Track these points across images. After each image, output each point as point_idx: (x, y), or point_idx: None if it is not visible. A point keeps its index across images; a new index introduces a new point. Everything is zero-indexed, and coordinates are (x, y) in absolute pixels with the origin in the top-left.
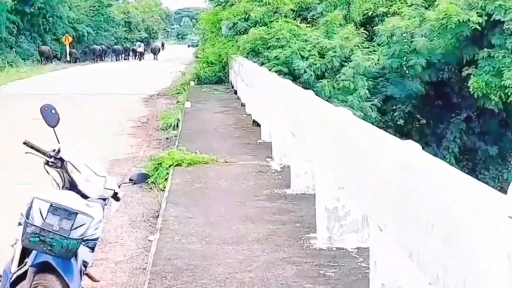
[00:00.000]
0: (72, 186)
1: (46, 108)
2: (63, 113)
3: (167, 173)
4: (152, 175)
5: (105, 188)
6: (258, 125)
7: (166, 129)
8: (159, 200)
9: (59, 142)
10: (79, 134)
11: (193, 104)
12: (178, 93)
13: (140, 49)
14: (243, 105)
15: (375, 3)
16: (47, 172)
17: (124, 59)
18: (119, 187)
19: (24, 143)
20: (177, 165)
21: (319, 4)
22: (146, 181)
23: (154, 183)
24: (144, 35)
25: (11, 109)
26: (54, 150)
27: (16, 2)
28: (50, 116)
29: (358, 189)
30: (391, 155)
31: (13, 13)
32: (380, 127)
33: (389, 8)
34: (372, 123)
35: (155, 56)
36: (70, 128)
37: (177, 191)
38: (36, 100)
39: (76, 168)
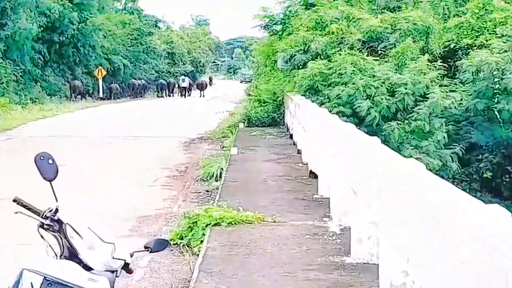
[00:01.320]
0: (72, 254)
1: (41, 158)
2: (87, 158)
3: (203, 234)
4: (185, 236)
5: (114, 258)
6: (316, 176)
7: (207, 179)
8: (191, 268)
9: (57, 200)
10: (103, 183)
11: (241, 150)
12: (224, 137)
13: (185, 84)
14: (299, 152)
15: (458, 33)
16: (42, 237)
17: (168, 96)
18: (131, 256)
19: (14, 200)
20: (215, 224)
21: (391, 33)
22: (164, 248)
23: (188, 246)
24: (190, 69)
25: (27, 154)
26: (50, 210)
27: (43, 29)
28: (46, 168)
29: (431, 264)
30: (471, 229)
31: (39, 42)
32: (462, 181)
33: (474, 40)
34: (453, 176)
35: (202, 92)
36: (94, 177)
37: (213, 257)
38: (58, 142)
39: (77, 233)
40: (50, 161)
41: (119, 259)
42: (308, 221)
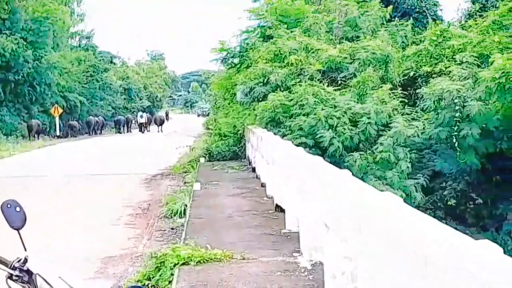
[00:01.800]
0: None
1: (8, 206)
2: (48, 199)
3: (172, 274)
4: (153, 277)
5: None
6: (282, 210)
7: (171, 217)
8: None
9: (25, 250)
10: (65, 225)
11: (204, 185)
12: (185, 172)
13: (143, 120)
14: (263, 185)
15: (417, 61)
16: None
17: (127, 132)
18: None
19: None
20: (183, 264)
21: (351, 63)
22: None
23: (156, 287)
24: (147, 104)
25: None
26: (19, 260)
27: None
28: (14, 216)
29: None
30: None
31: None
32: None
33: (434, 67)
34: (418, 205)
35: (160, 127)
36: (55, 219)
37: None
38: (17, 184)
39: (48, 283)
40: (18, 209)
41: None
42: (278, 257)
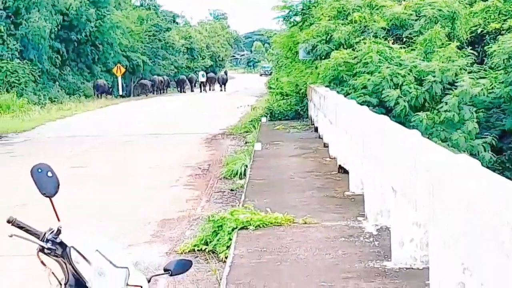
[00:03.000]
0: (78, 282)
1: (39, 170)
2: (106, 159)
3: (230, 239)
4: (210, 242)
5: (128, 285)
6: (346, 171)
7: (231, 177)
8: (217, 278)
9: (59, 220)
10: (122, 185)
11: (265, 145)
12: (246, 132)
13: (204, 79)
14: (326, 145)
15: (485, 18)
16: (42, 263)
17: (191, 91)
18: (149, 281)
19: (9, 221)
20: (242, 228)
21: (416, 20)
22: (187, 270)
23: (213, 252)
24: (209, 63)
25: (42, 157)
26: (51, 231)
27: (60, 27)
28: (45, 182)
29: (495, 277)
30: None
31: (56, 40)
32: (495, 170)
33: (502, 24)
34: (486, 166)
35: (222, 87)
36: (113, 179)
37: (242, 266)
38: (76, 143)
39: (83, 257)
40: (50, 174)
41: (134, 286)
42: (342, 221)
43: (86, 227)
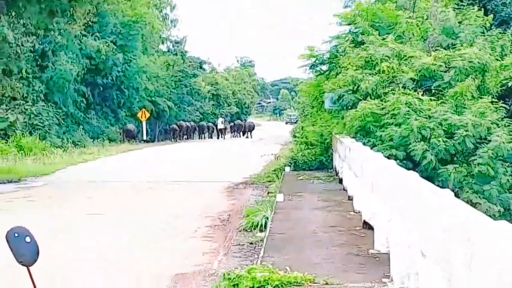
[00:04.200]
0: None
1: (16, 235)
2: (125, 205)
3: None
4: None
5: None
6: (371, 227)
7: (251, 230)
8: None
9: None
10: (138, 235)
11: (287, 196)
12: (269, 181)
13: (222, 126)
14: (350, 198)
15: None
16: None
17: (210, 138)
18: None
19: None
20: (259, 287)
21: (446, 72)
22: None
23: None
24: (235, 110)
25: (61, 201)
26: None
27: (86, 71)
28: (22, 248)
29: None
30: None
31: (82, 84)
32: None
33: None
34: None
35: (249, 134)
36: (130, 227)
37: None
38: (96, 189)
39: None
40: (28, 239)
41: None
42: (366, 283)
43: (90, 281)
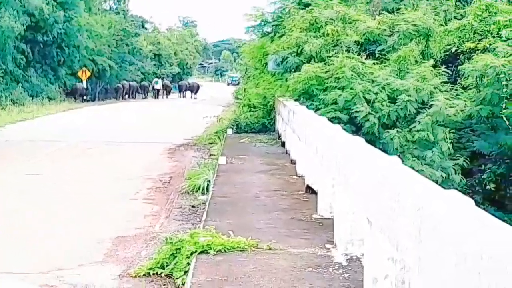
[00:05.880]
0: None
1: None
2: (63, 166)
3: (188, 264)
4: (167, 266)
5: None
6: (314, 192)
7: (193, 193)
8: None
9: None
10: (76, 196)
11: (229, 159)
12: (211, 143)
13: (158, 86)
14: (293, 162)
15: (460, 36)
16: None
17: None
18: None
19: None
20: (202, 252)
21: (390, 36)
22: None
23: (170, 277)
24: (177, 70)
25: None
26: None
27: (26, 28)
28: None
29: None
30: None
31: (22, 41)
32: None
33: (477, 43)
34: (455, 188)
35: (193, 94)
36: (68, 189)
37: None
38: (33, 149)
39: None
40: None
41: None
42: (309, 248)
43: (30, 243)
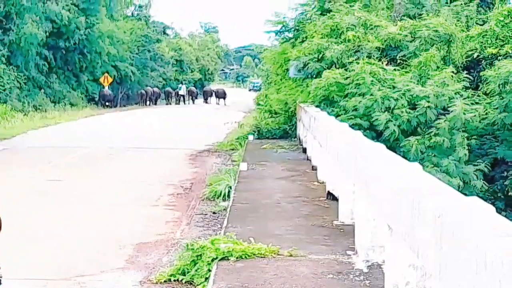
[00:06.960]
0: None
1: None
2: (85, 172)
3: (209, 270)
4: (188, 272)
5: None
6: (335, 198)
7: (214, 199)
8: None
9: None
10: (98, 203)
11: (251, 165)
12: (233, 149)
13: (182, 92)
14: (314, 168)
15: (482, 42)
16: None
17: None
18: None
19: None
20: (222, 258)
21: (411, 41)
22: None
23: (191, 284)
24: (198, 76)
25: (20, 165)
26: None
27: (48, 35)
28: None
29: None
30: None
31: (44, 48)
32: (486, 199)
33: (499, 49)
34: (477, 194)
35: (219, 100)
36: (90, 195)
37: None
38: (55, 154)
39: None
40: None
41: None
42: (330, 254)
43: (51, 249)
